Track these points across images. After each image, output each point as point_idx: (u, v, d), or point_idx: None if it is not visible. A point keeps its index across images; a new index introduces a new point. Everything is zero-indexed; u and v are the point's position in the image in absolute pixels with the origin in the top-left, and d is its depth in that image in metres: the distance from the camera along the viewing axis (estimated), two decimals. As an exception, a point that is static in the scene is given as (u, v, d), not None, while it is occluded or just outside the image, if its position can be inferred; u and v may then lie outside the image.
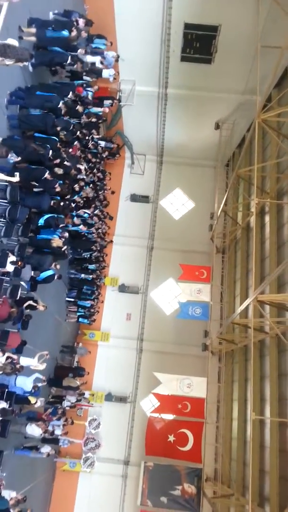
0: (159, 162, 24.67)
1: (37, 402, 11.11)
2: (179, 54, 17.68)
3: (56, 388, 16.57)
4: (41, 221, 10.91)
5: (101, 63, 14.45)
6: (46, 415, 13.41)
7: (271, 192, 15.31)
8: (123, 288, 22.23)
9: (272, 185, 15.44)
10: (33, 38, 10.44)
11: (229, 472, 16.77)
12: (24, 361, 10.02)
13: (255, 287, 13.87)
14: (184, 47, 17.38)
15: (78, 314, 18.75)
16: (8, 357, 9.21)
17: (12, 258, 9.05)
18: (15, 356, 9.55)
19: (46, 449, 13.72)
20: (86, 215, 15.84)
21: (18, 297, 10.25)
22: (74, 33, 11.26)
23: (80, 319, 19.06)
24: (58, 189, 10.93)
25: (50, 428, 13.64)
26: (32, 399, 10.77)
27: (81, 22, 12.37)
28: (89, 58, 13.77)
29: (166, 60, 17.99)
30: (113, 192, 21.34)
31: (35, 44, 10.75)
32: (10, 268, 9.00)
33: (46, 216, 10.90)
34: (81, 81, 13.15)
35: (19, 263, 9.32)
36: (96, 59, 14.09)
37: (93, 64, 14.05)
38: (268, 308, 12.83)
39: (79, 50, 12.04)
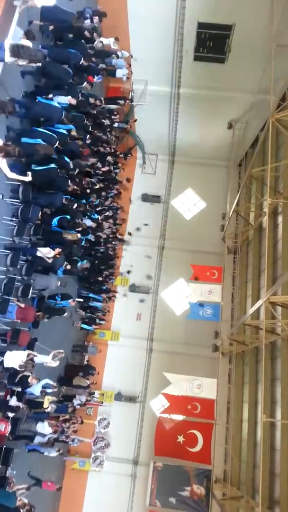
0: (170, 162, 24.61)
1: (49, 408, 11.18)
2: (192, 54, 17.59)
3: (66, 387, 16.61)
4: (54, 222, 10.93)
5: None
6: (58, 423, 13.39)
7: (284, 192, 15.18)
8: (133, 288, 22.23)
9: (286, 185, 15.31)
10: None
11: (239, 474, 16.67)
12: (38, 358, 10.09)
13: (267, 288, 13.77)
14: (197, 47, 17.29)
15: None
16: (29, 354, 9.30)
17: None
18: (35, 352, 9.66)
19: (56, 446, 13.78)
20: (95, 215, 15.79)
21: (29, 296, 10.36)
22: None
23: (82, 325, 18.97)
24: (70, 188, 10.96)
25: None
26: (46, 403, 10.84)
27: (96, 19, 12.50)
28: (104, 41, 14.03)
29: (179, 59, 17.93)
30: (128, 180, 21.51)
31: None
32: None
33: (59, 217, 10.93)
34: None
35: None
36: (110, 41, 14.40)
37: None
38: (280, 310, 12.74)
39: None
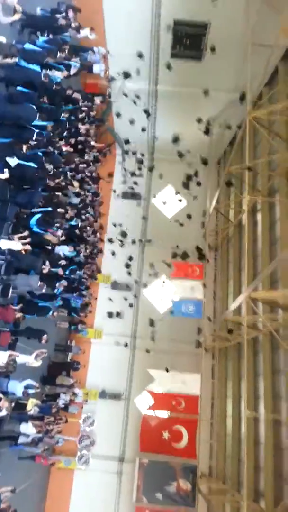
0: (150, 160, 24.61)
1: (32, 410, 11.11)
2: (169, 51, 17.62)
3: (50, 386, 16.54)
4: (33, 221, 10.85)
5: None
6: (42, 424, 13.33)
7: (262, 190, 15.33)
8: (115, 285, 22.22)
9: (264, 182, 15.46)
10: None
11: (224, 468, 16.87)
12: (20, 359, 10.01)
13: (248, 284, 13.92)
14: (174, 44, 17.33)
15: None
16: (10, 355, 9.20)
17: None
18: (16, 353, 9.56)
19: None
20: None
21: (9, 296, 10.26)
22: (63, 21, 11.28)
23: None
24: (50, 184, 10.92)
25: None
26: (29, 405, 10.77)
27: (71, 13, 12.43)
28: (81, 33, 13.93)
29: (156, 56, 17.92)
30: (110, 175, 21.56)
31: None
32: None
33: (37, 216, 10.84)
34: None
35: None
36: (86, 32, 14.16)
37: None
38: (261, 305, 12.90)
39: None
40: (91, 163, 17.82)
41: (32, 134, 9.64)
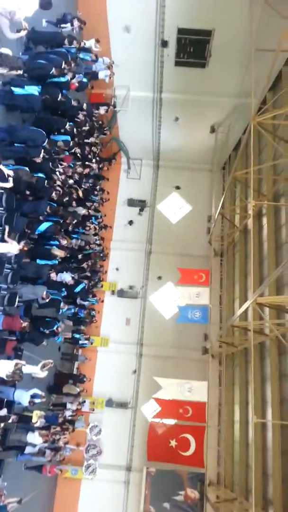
0: (155, 167, 24.71)
1: (38, 422, 11.06)
2: (173, 59, 17.73)
3: (56, 395, 16.49)
4: (41, 228, 10.87)
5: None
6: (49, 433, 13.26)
7: (268, 194, 15.32)
8: (121, 293, 22.19)
9: (269, 187, 15.46)
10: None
11: (232, 475, 16.68)
12: (26, 368, 9.98)
13: (254, 289, 13.84)
14: (178, 52, 17.43)
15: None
16: (16, 364, 9.16)
17: None
18: (23, 362, 9.54)
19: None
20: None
21: (15, 305, 10.26)
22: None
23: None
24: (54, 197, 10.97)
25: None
26: (35, 417, 10.73)
27: (76, 22, 12.55)
28: (86, 43, 14.23)
29: (160, 65, 18.04)
30: (107, 179, 21.63)
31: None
32: None
33: (47, 225, 10.87)
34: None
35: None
36: (91, 43, 14.43)
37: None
38: (268, 310, 12.81)
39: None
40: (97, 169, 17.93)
41: (39, 153, 9.93)
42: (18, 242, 10.16)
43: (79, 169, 14.65)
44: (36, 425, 11.31)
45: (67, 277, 13.24)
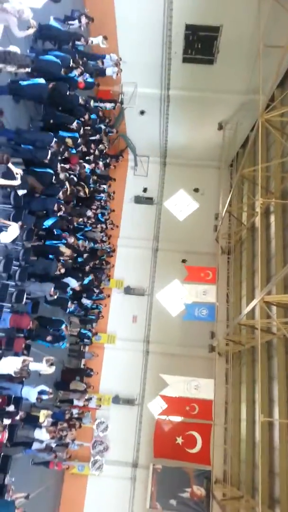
0: (162, 164, 24.64)
1: (45, 422, 11.11)
2: (181, 56, 17.65)
3: (64, 392, 16.56)
4: (47, 223, 10.89)
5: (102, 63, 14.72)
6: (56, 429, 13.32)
7: (275, 192, 15.23)
8: (128, 290, 22.21)
9: (277, 184, 15.37)
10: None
11: (239, 474, 16.67)
12: (33, 365, 10.02)
13: (261, 287, 13.80)
14: (185, 49, 17.36)
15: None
16: (24, 360, 9.21)
17: None
18: (30, 358, 9.59)
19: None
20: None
21: (23, 302, 10.31)
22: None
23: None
24: (61, 196, 10.97)
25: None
26: (42, 417, 10.78)
27: (84, 19, 12.51)
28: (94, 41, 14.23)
29: (168, 61, 17.97)
30: (114, 179, 21.57)
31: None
32: None
33: (53, 220, 10.89)
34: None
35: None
36: (99, 40, 14.43)
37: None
38: (275, 309, 12.76)
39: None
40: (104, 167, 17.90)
41: (46, 154, 9.89)
42: (26, 239, 10.26)
43: (87, 167, 14.62)
44: (44, 424, 11.38)
45: (73, 282, 13.27)
